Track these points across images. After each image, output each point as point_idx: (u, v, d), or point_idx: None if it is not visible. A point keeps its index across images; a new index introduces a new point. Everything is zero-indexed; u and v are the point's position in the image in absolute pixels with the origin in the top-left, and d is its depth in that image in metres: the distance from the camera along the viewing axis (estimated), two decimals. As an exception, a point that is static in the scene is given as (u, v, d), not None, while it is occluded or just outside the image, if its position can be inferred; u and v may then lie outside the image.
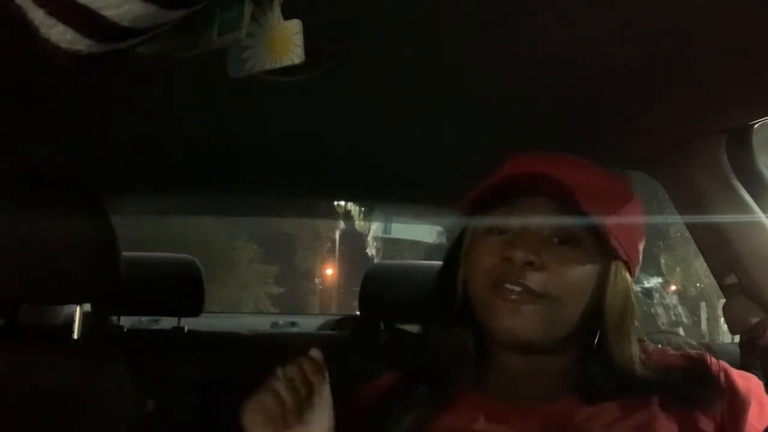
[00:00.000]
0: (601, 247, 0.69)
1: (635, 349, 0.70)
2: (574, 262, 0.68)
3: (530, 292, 0.66)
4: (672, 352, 0.74)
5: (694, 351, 0.73)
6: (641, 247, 0.74)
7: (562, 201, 0.69)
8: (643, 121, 1.03)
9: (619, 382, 0.68)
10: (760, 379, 0.72)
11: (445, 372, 0.72)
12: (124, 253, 1.09)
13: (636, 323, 0.71)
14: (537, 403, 0.69)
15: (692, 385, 0.67)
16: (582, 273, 0.69)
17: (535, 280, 0.67)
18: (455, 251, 0.76)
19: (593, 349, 0.70)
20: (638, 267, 0.74)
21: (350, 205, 2.21)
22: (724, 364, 0.71)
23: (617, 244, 0.68)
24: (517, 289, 0.67)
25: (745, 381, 0.69)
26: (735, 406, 0.66)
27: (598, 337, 0.70)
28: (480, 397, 0.70)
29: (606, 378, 0.68)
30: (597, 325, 0.70)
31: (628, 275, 0.72)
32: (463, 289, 0.74)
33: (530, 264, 0.67)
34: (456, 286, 0.74)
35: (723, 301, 1.07)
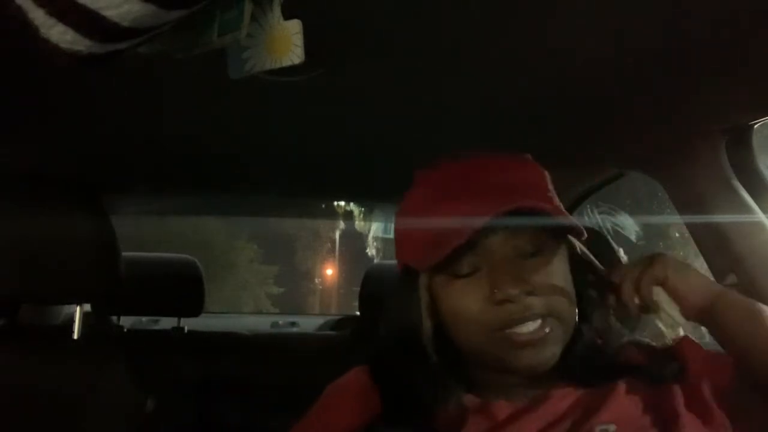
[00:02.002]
0: (555, 238, 0.69)
1: (610, 323, 0.72)
2: (551, 268, 0.67)
3: (543, 315, 0.64)
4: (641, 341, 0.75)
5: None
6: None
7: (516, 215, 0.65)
8: (643, 121, 1.04)
9: (594, 365, 0.69)
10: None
11: (429, 399, 0.67)
12: (124, 253, 1.09)
13: (599, 296, 0.72)
14: (527, 398, 0.68)
15: (656, 363, 0.70)
16: (561, 273, 0.68)
17: (534, 304, 0.64)
18: (413, 305, 0.69)
19: (577, 336, 0.70)
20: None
21: (350, 205, 2.20)
22: (685, 338, 0.72)
23: (576, 229, 0.68)
24: (530, 323, 0.64)
25: (684, 343, 0.72)
26: (694, 366, 0.69)
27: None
28: (469, 397, 0.69)
29: (584, 363, 0.69)
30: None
31: (581, 248, 0.73)
32: (439, 336, 0.69)
33: (529, 293, 0.64)
34: (423, 341, 0.68)
35: (723, 301, 1.07)
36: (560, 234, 0.69)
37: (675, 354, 0.71)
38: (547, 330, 0.64)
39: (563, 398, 0.67)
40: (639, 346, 0.74)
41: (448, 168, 0.72)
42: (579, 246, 0.73)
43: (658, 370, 0.69)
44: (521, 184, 0.70)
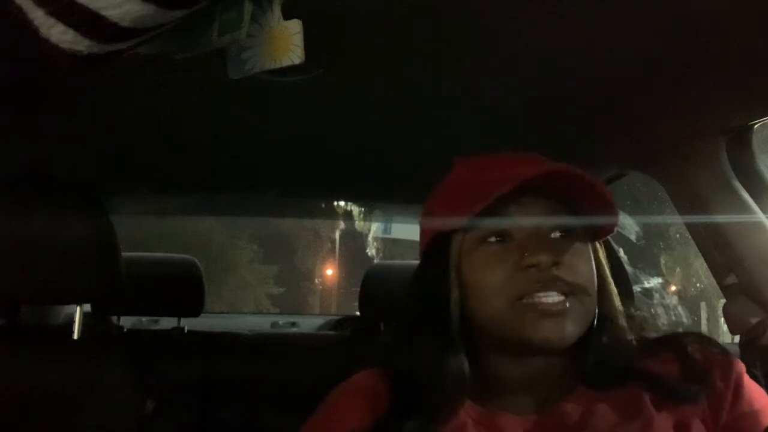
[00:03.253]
0: (585, 229, 0.70)
1: (623, 325, 0.70)
2: (579, 251, 0.68)
3: (565, 293, 0.64)
4: (655, 335, 0.73)
5: (678, 335, 0.73)
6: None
7: (552, 196, 0.68)
8: (643, 121, 1.04)
9: (612, 371, 0.68)
10: (760, 378, 0.72)
11: (439, 398, 0.67)
12: (124, 253, 1.09)
13: (616, 297, 0.72)
14: (535, 411, 0.67)
15: (680, 380, 0.67)
16: (588, 259, 0.69)
17: (564, 278, 0.65)
18: (441, 271, 0.69)
19: (588, 339, 0.69)
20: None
21: (350, 205, 2.20)
22: (706, 350, 0.70)
23: (606, 229, 0.70)
24: (553, 294, 0.64)
25: (726, 366, 0.68)
26: (715, 396, 0.66)
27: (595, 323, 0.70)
28: (477, 408, 0.68)
29: (599, 365, 0.68)
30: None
31: (601, 249, 0.73)
32: (462, 309, 0.69)
33: (556, 264, 0.64)
34: (449, 309, 0.68)
35: (723, 301, 1.07)
36: (589, 228, 0.70)
37: (712, 372, 0.68)
38: (568, 305, 0.64)
39: (572, 414, 0.66)
40: (680, 351, 0.71)
41: (490, 156, 0.74)
42: (601, 252, 0.73)
43: (680, 386, 0.67)
44: (558, 167, 0.69)
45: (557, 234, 0.68)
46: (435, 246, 0.72)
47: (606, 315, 0.70)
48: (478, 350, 0.69)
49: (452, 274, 0.69)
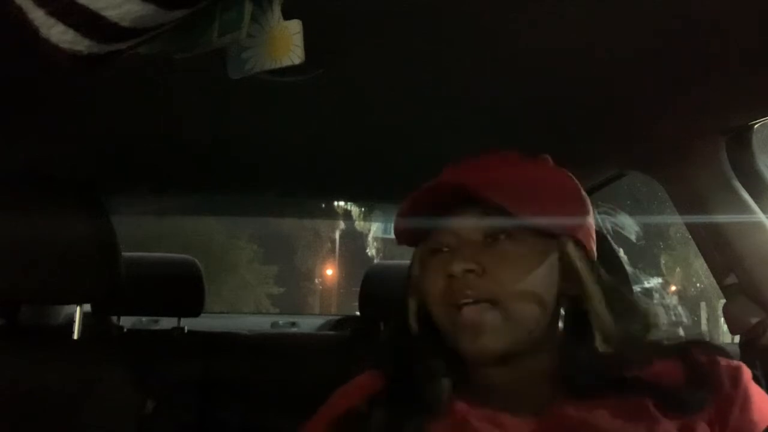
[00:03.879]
0: (533, 230, 0.68)
1: (610, 332, 0.67)
2: (516, 256, 0.67)
3: (488, 301, 0.65)
4: (663, 342, 0.72)
5: (684, 343, 0.71)
6: (590, 220, 0.73)
7: (487, 202, 0.67)
8: (643, 121, 1.03)
9: (603, 375, 0.66)
10: (760, 379, 0.72)
11: (433, 399, 0.68)
12: (124, 253, 1.09)
13: (602, 305, 0.68)
14: (527, 413, 0.66)
15: (686, 387, 0.66)
16: (524, 264, 0.67)
17: (480, 287, 0.65)
18: (407, 280, 0.76)
19: (571, 341, 0.69)
20: (593, 241, 0.72)
21: (350, 205, 2.20)
22: (712, 357, 0.68)
23: (555, 225, 0.68)
24: (470, 301, 0.65)
25: (733, 373, 0.67)
26: (722, 403, 0.65)
27: (564, 326, 0.70)
28: (468, 408, 0.68)
29: (589, 372, 0.66)
30: (571, 314, 0.70)
31: (578, 253, 0.69)
32: (423, 313, 0.72)
33: (470, 271, 0.65)
34: (409, 315, 0.74)
35: (723, 301, 1.07)
36: (548, 234, 0.68)
37: (705, 376, 0.67)
38: (487, 316, 0.65)
39: (573, 417, 0.65)
40: (684, 358, 0.69)
41: (465, 160, 0.75)
42: (570, 250, 0.70)
43: (685, 394, 0.65)
44: (504, 174, 0.70)
45: (489, 240, 0.68)
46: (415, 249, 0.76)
47: (591, 322, 0.68)
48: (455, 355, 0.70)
49: (411, 283, 0.74)
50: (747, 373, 0.68)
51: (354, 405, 0.69)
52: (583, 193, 0.74)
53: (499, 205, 0.66)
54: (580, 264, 0.69)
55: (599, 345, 0.67)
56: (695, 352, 0.69)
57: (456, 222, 0.70)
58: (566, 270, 0.69)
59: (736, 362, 0.69)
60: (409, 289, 0.75)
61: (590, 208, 0.74)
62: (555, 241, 0.69)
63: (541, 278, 0.68)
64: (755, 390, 0.67)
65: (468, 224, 0.69)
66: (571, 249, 0.69)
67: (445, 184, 0.70)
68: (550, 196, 0.71)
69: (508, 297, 0.66)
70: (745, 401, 0.65)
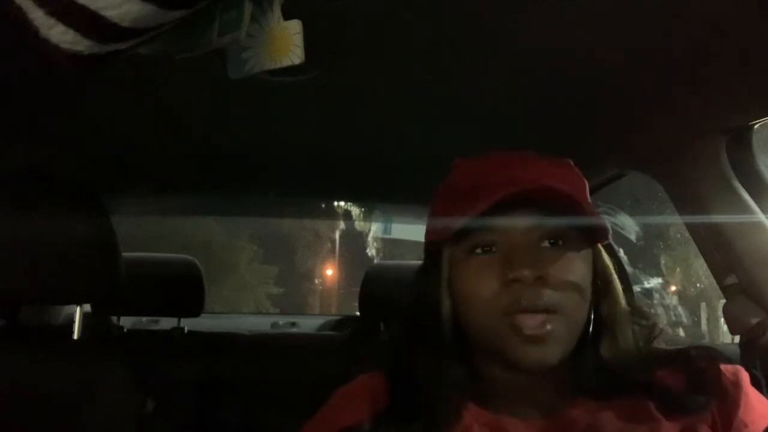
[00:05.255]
0: (580, 234, 0.67)
1: (627, 335, 0.67)
2: (571, 261, 0.65)
3: (549, 310, 0.62)
4: (664, 347, 0.72)
5: (685, 348, 0.72)
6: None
7: (545, 203, 0.65)
8: (643, 121, 1.03)
9: (616, 376, 0.66)
10: (760, 379, 0.72)
11: (440, 402, 0.66)
12: (124, 254, 1.09)
13: (624, 306, 0.68)
14: (532, 415, 0.66)
15: (687, 391, 0.66)
16: (579, 269, 0.66)
17: (544, 295, 0.62)
18: (434, 281, 0.69)
19: (590, 344, 0.68)
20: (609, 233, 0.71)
21: (350, 205, 2.21)
22: (712, 361, 0.69)
23: (602, 231, 0.66)
24: (536, 315, 0.61)
25: (733, 377, 0.67)
26: (725, 406, 0.65)
27: (592, 329, 0.68)
28: (482, 412, 0.67)
29: (596, 375, 0.66)
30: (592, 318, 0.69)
31: (606, 255, 0.70)
32: (454, 320, 0.68)
33: (539, 279, 0.62)
34: (441, 321, 0.67)
35: (723, 301, 1.07)
36: (586, 232, 0.67)
37: (707, 380, 0.67)
38: (548, 327, 0.62)
39: (579, 420, 0.65)
40: (682, 364, 0.69)
41: (488, 157, 0.72)
42: (605, 252, 0.70)
43: (687, 398, 0.65)
44: (554, 174, 0.68)
45: (546, 243, 0.65)
46: (431, 253, 0.71)
47: (609, 323, 0.68)
48: (477, 358, 0.69)
49: (443, 285, 0.68)
50: (746, 376, 0.68)
51: (356, 421, 0.66)
52: None
53: (570, 207, 0.63)
54: (609, 264, 0.69)
55: (610, 344, 0.67)
56: (696, 357, 0.69)
57: (514, 221, 0.65)
58: (596, 271, 0.68)
59: (734, 366, 0.69)
60: (440, 290, 0.68)
61: None
62: (588, 240, 0.68)
63: (588, 280, 0.66)
64: (754, 394, 0.68)
65: (526, 224, 0.65)
66: (602, 250, 0.69)
67: (515, 185, 0.63)
68: (586, 200, 0.71)
69: (570, 306, 0.63)
70: (747, 405, 0.66)
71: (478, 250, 0.66)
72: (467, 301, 0.66)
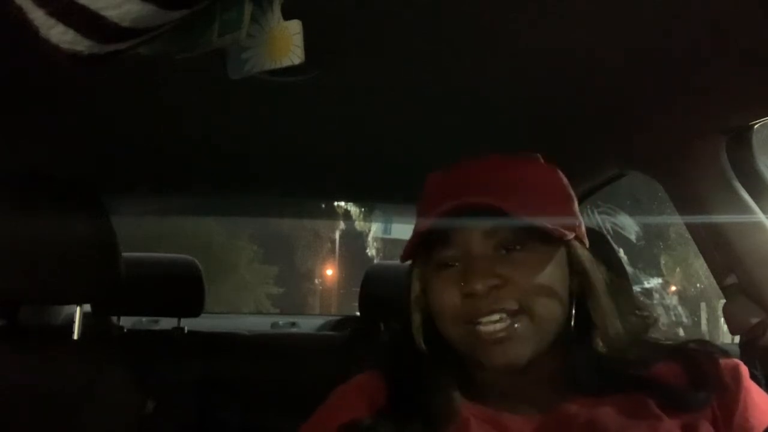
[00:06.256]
0: (543, 236, 0.67)
1: (617, 329, 0.68)
2: (530, 264, 0.66)
3: (509, 313, 0.64)
4: (663, 342, 0.72)
5: (683, 343, 0.72)
6: (575, 208, 0.73)
7: (496, 211, 0.66)
8: (643, 121, 1.04)
9: (606, 374, 0.66)
10: (760, 379, 0.72)
11: (437, 402, 0.67)
12: (124, 253, 1.09)
13: (608, 300, 0.69)
14: (530, 411, 0.67)
15: (688, 387, 0.66)
16: (543, 270, 0.67)
17: (506, 299, 0.64)
18: (407, 297, 0.73)
19: (575, 339, 0.69)
20: (582, 227, 0.72)
21: (350, 205, 2.21)
22: (712, 356, 0.69)
23: (561, 230, 0.67)
24: (495, 318, 0.64)
25: (733, 371, 0.68)
26: (725, 401, 0.65)
27: (574, 322, 0.69)
28: (480, 408, 0.68)
29: (592, 371, 0.66)
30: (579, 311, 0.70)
31: (582, 251, 0.70)
32: (428, 326, 0.71)
33: (497, 287, 0.64)
34: (413, 331, 0.72)
35: (723, 301, 1.07)
36: (547, 233, 0.68)
37: (706, 374, 0.67)
38: (515, 326, 0.64)
39: (578, 415, 0.65)
40: (684, 357, 0.69)
41: (454, 169, 0.73)
42: (576, 249, 0.70)
43: (686, 393, 0.65)
44: (505, 181, 0.69)
45: (503, 251, 0.67)
46: (408, 270, 0.74)
47: (596, 318, 0.68)
48: (464, 361, 0.70)
49: (413, 298, 0.72)
50: (746, 370, 0.68)
51: (356, 417, 0.67)
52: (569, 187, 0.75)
53: (518, 217, 0.64)
54: (585, 260, 0.70)
55: (602, 340, 0.68)
56: (695, 352, 0.70)
57: (466, 234, 0.67)
58: (573, 268, 0.70)
59: (734, 360, 0.69)
60: (410, 305, 0.72)
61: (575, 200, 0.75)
62: (561, 241, 0.69)
63: (558, 278, 0.68)
64: (755, 388, 0.68)
65: (479, 236, 0.67)
66: (577, 247, 0.70)
67: (463, 203, 0.66)
68: (554, 198, 0.71)
69: (533, 302, 0.65)
70: (747, 399, 0.66)
71: (444, 266, 0.69)
72: (436, 314, 0.70)
